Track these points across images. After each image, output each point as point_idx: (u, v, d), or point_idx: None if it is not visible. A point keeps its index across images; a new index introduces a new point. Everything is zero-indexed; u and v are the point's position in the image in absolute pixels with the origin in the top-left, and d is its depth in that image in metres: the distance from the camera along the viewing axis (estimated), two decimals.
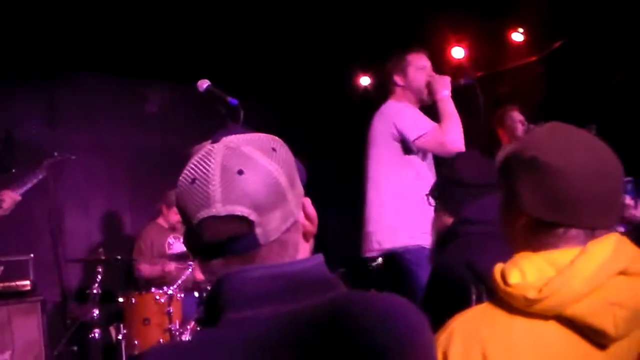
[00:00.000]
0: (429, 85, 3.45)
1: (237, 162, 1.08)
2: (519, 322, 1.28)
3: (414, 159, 3.39)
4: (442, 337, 1.31)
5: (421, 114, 3.46)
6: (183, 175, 1.11)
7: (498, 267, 1.34)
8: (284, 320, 1.05)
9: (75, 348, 5.08)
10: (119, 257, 5.13)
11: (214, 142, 1.13)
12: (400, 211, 3.30)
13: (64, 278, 5.37)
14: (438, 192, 2.37)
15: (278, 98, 6.51)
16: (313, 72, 6.23)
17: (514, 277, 1.28)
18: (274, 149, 1.12)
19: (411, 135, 3.29)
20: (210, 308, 1.10)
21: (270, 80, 6.23)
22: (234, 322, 1.06)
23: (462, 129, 3.29)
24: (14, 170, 3.92)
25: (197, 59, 5.33)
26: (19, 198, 3.28)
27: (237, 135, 1.14)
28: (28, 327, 4.71)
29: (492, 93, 3.72)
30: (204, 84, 2.49)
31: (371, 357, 1.04)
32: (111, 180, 6.18)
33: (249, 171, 1.07)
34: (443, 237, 2.25)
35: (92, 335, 4.67)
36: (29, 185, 3.44)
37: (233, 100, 2.35)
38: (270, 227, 1.08)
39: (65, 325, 5.20)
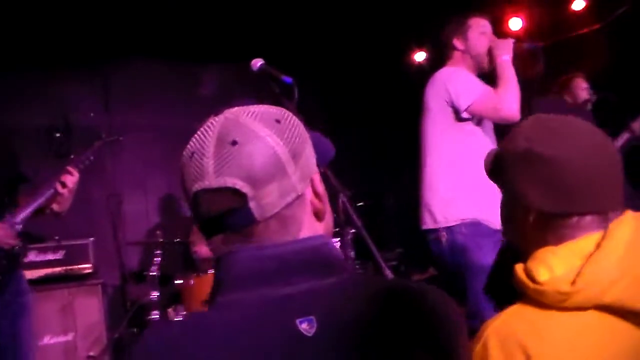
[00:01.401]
0: (490, 50, 3.26)
1: (233, 133, 1.04)
2: (557, 317, 1.24)
3: (469, 125, 3.22)
4: (477, 349, 1.27)
5: (475, 78, 3.28)
6: (185, 149, 1.08)
7: (519, 267, 1.31)
8: (273, 306, 0.99)
9: (135, 330, 5.16)
10: (177, 240, 5.16)
11: (216, 114, 1.10)
12: (455, 182, 3.17)
13: (124, 261, 5.46)
14: None
15: (333, 75, 6.46)
16: (368, 48, 6.15)
17: (542, 274, 1.25)
18: (277, 121, 1.07)
19: (462, 103, 3.13)
20: (212, 289, 1.06)
21: (324, 58, 6.18)
22: (220, 306, 1.01)
23: (519, 96, 3.11)
24: (72, 157, 3.95)
25: (250, 38, 5.30)
26: (77, 175, 3.30)
27: (240, 107, 1.10)
28: (89, 310, 4.81)
29: (553, 62, 3.56)
30: (257, 62, 2.45)
31: (368, 349, 0.98)
32: (168, 162, 6.21)
33: (245, 142, 1.03)
34: None
35: (152, 317, 4.72)
36: (85, 163, 3.46)
37: (287, 79, 2.30)
38: (265, 201, 1.02)
39: (125, 307, 5.29)
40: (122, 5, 5.16)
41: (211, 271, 4.83)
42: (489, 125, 3.33)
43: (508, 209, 1.43)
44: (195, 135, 1.07)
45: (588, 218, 1.29)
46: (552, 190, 1.30)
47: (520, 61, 3.24)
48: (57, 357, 4.60)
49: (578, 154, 1.29)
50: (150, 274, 4.78)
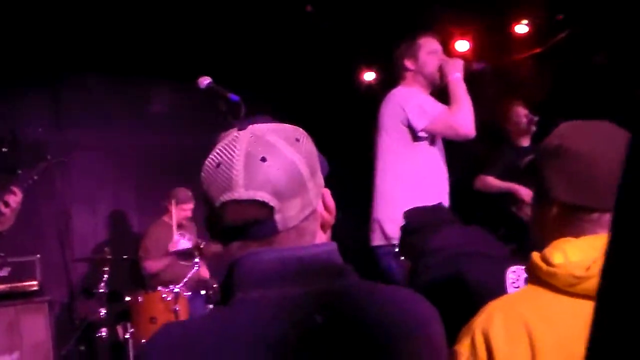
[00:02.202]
0: (441, 68, 3.37)
1: (261, 149, 1.11)
2: (564, 301, 1.26)
3: (423, 144, 3.31)
4: (479, 319, 1.30)
5: (430, 98, 3.38)
6: (209, 159, 1.15)
7: (535, 254, 1.33)
8: (292, 303, 1.07)
9: (82, 347, 5.10)
10: (125, 257, 5.14)
11: (240, 129, 1.16)
12: (408, 200, 3.25)
13: (71, 278, 5.40)
14: (400, 247, 2.51)
15: (281, 94, 6.50)
16: (317, 68, 6.22)
17: (557, 258, 1.27)
18: (297, 139, 1.16)
19: (419, 124, 3.23)
20: (225, 289, 1.13)
21: (272, 76, 6.22)
22: (242, 302, 1.09)
23: (473, 113, 3.22)
24: (19, 172, 3.92)
25: (199, 58, 5.31)
26: (20, 195, 3.30)
27: (263, 124, 1.18)
28: (36, 327, 4.73)
29: (496, 85, 3.69)
30: (204, 80, 2.49)
31: (378, 346, 1.07)
32: (117, 180, 6.19)
33: (272, 159, 1.10)
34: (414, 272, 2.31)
35: (100, 334, 4.69)
36: (24, 186, 3.46)
37: (234, 97, 2.34)
38: (289, 214, 1.11)
39: (72, 324, 5.23)
40: (76, 21, 5.14)
41: (160, 288, 4.83)
42: (440, 144, 3.43)
43: (535, 208, 1.46)
44: (221, 148, 1.14)
45: (609, 216, 1.31)
46: (577, 184, 1.33)
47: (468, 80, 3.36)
48: None
49: (607, 151, 1.31)
50: (99, 291, 4.75)
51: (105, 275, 4.75)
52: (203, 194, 1.15)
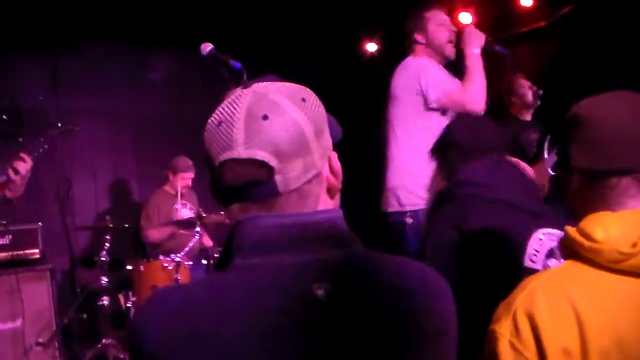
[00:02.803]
0: (459, 38, 3.37)
1: (263, 107, 1.07)
2: (609, 278, 1.23)
3: (435, 115, 3.31)
4: (520, 296, 1.26)
5: (444, 71, 3.39)
6: (211, 118, 1.11)
7: (571, 229, 1.30)
8: (292, 271, 1.05)
9: (84, 315, 5.13)
10: (126, 225, 5.15)
11: (244, 87, 1.13)
12: (424, 168, 3.25)
13: (73, 246, 5.42)
14: (436, 153, 2.40)
15: (283, 63, 6.46)
16: (319, 37, 6.18)
17: (599, 234, 1.24)
18: (303, 99, 1.12)
19: (432, 95, 3.23)
20: (224, 253, 1.11)
21: (275, 45, 6.18)
22: (241, 268, 1.06)
23: (485, 91, 3.23)
24: (20, 139, 3.92)
25: (200, 25, 5.27)
26: (30, 162, 3.29)
27: (268, 83, 1.14)
28: (37, 295, 4.74)
29: (501, 57, 3.66)
30: (206, 47, 2.48)
31: (383, 321, 1.04)
32: (117, 147, 6.18)
33: (274, 117, 1.07)
34: (439, 199, 2.27)
35: (101, 302, 4.71)
36: (39, 151, 3.45)
37: (236, 64, 2.34)
38: (290, 175, 1.07)
39: (74, 293, 5.26)
40: None
41: (161, 257, 4.85)
42: (452, 116, 3.42)
43: (562, 181, 1.45)
44: (223, 106, 1.11)
45: (628, 179, 1.31)
46: (590, 148, 1.33)
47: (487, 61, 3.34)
48: (5, 344, 4.54)
49: (617, 115, 1.33)
50: (100, 259, 4.77)
51: (107, 244, 4.77)
52: (205, 153, 1.11)
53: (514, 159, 2.27)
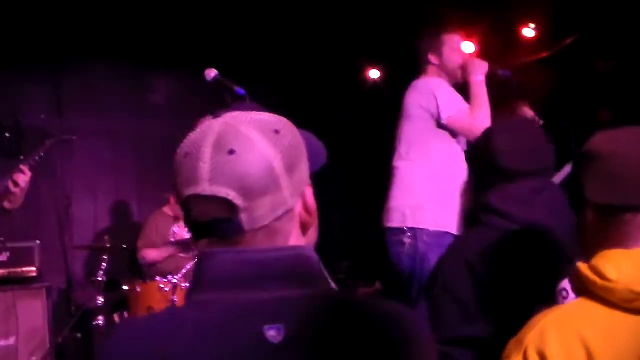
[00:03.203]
0: (464, 66, 3.39)
1: (231, 140, 1.02)
2: (622, 317, 1.22)
3: (448, 136, 3.31)
4: (531, 334, 1.23)
5: (457, 93, 3.39)
6: (179, 148, 1.08)
7: (582, 266, 1.28)
8: (244, 309, 1.00)
9: (79, 335, 5.10)
10: (124, 246, 5.14)
11: (215, 117, 1.09)
12: (429, 188, 3.24)
13: (70, 265, 5.40)
14: (470, 162, 2.25)
15: (286, 89, 6.51)
16: (323, 64, 6.21)
17: (611, 273, 1.22)
18: (276, 131, 1.05)
19: (445, 112, 3.23)
20: (189, 289, 1.08)
21: (279, 72, 6.22)
22: (197, 304, 1.03)
23: (490, 117, 3.23)
24: (22, 157, 3.93)
25: (206, 49, 5.32)
26: (29, 174, 3.33)
27: (241, 113, 1.08)
28: (33, 313, 4.73)
29: (502, 88, 3.68)
30: (211, 73, 2.50)
31: None
32: (118, 168, 6.19)
33: (242, 152, 1.01)
34: (468, 218, 2.16)
35: (97, 322, 4.68)
36: (36, 159, 3.48)
37: (240, 90, 2.35)
38: (257, 213, 1.02)
39: (69, 312, 5.23)
40: (79, 7, 5.13)
41: (158, 278, 4.83)
42: (463, 142, 3.42)
43: (578, 215, 1.43)
44: (192, 136, 1.07)
45: None
46: (607, 183, 1.32)
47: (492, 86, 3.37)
48: None
49: (635, 151, 1.32)
50: (97, 279, 4.75)
51: (104, 264, 4.75)
52: (174, 185, 1.08)
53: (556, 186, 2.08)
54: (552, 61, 5.48)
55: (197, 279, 1.06)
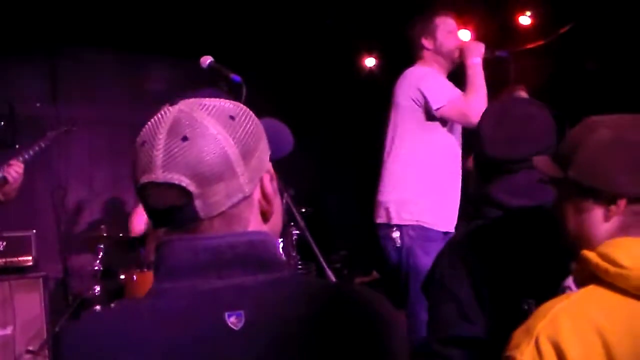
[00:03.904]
0: (460, 50, 3.33)
1: (184, 127, 1.02)
2: (635, 304, 1.19)
3: (437, 126, 3.26)
4: (542, 322, 1.19)
5: (446, 81, 3.34)
6: (138, 137, 1.07)
7: (591, 253, 1.25)
8: (203, 298, 1.00)
9: None
10: (121, 235, 5.13)
11: (172, 104, 1.08)
12: (414, 183, 3.22)
13: (66, 254, 5.39)
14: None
15: (282, 77, 6.49)
16: (319, 51, 6.20)
17: (625, 259, 1.20)
18: (231, 117, 1.05)
19: (434, 104, 3.17)
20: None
21: (274, 59, 6.20)
22: (154, 294, 1.03)
23: (486, 101, 3.17)
24: (17, 146, 3.92)
25: (201, 35, 5.29)
26: (21, 168, 3.30)
27: (196, 100, 1.07)
28: (30, 303, 4.72)
29: (498, 75, 3.66)
30: (206, 60, 2.49)
31: (296, 349, 1.00)
32: (114, 156, 6.16)
33: (195, 138, 1.01)
34: (469, 211, 2.09)
35: None
36: (30, 154, 3.45)
37: (236, 77, 2.34)
38: (211, 200, 1.01)
39: (66, 301, 5.24)
40: None
41: None
42: (458, 129, 3.38)
43: (577, 204, 1.36)
44: (148, 124, 1.06)
45: None
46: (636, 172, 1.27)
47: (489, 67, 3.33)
48: None
49: None
50: (93, 268, 4.76)
51: (101, 253, 4.75)
52: (131, 173, 1.07)
53: None
54: (548, 49, 5.47)
55: (156, 268, 1.05)
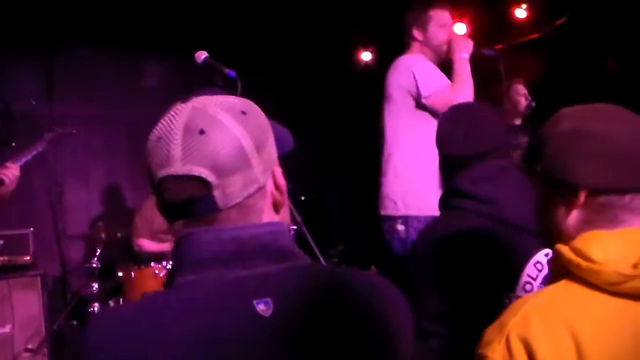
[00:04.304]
0: (449, 44, 3.34)
1: (200, 122, 1.07)
2: (607, 301, 1.16)
3: (430, 117, 3.24)
4: (513, 319, 1.18)
5: (436, 68, 3.35)
6: (151, 134, 1.12)
7: (562, 247, 1.23)
8: (230, 287, 1.04)
9: (75, 322, 5.10)
10: (119, 235, 5.14)
11: (183, 101, 1.12)
12: (419, 174, 3.22)
13: (64, 252, 5.39)
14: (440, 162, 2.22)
15: (277, 71, 6.49)
16: (314, 46, 6.19)
17: (597, 254, 1.17)
18: (243, 112, 1.10)
19: (424, 90, 3.18)
20: (170, 271, 1.10)
21: (270, 54, 6.19)
22: (180, 287, 1.05)
23: (472, 95, 3.19)
24: (13, 144, 3.91)
25: (196, 31, 5.28)
26: (18, 171, 3.28)
27: (207, 97, 1.13)
28: (28, 301, 4.72)
29: (488, 71, 3.67)
30: (201, 55, 2.49)
31: (321, 334, 1.04)
32: (111, 154, 6.17)
33: (212, 132, 1.06)
34: (439, 203, 2.17)
35: (92, 309, 4.68)
36: (28, 157, 3.44)
37: (231, 72, 2.34)
38: (229, 190, 1.06)
39: (65, 299, 5.23)
40: None
41: (152, 264, 4.83)
42: None
43: (547, 198, 1.34)
44: (162, 121, 1.10)
45: (632, 199, 1.24)
46: (605, 165, 1.24)
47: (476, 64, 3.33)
48: None
49: (627, 129, 1.26)
50: (91, 266, 4.75)
51: (98, 250, 4.75)
52: (146, 170, 1.11)
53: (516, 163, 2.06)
54: (543, 42, 5.47)
55: (178, 261, 1.08)
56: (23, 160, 3.40)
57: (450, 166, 2.08)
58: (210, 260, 1.05)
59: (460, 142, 2.03)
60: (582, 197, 1.27)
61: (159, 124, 1.11)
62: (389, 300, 1.13)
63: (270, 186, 1.13)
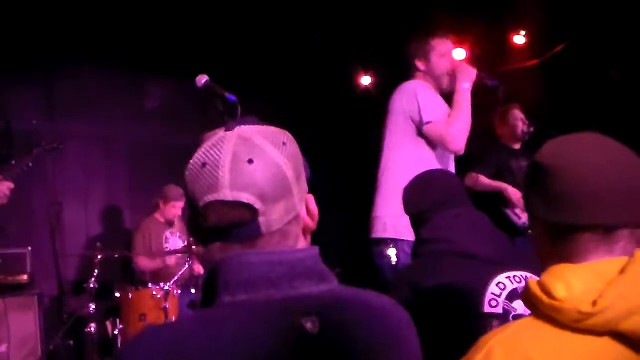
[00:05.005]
0: (452, 72, 3.33)
1: (248, 151, 1.11)
2: (569, 339, 1.16)
3: (424, 142, 3.26)
4: (478, 356, 1.19)
5: (440, 98, 3.36)
6: (194, 159, 1.14)
7: (532, 282, 1.24)
8: (279, 306, 1.08)
9: (71, 342, 5.09)
10: (116, 255, 5.13)
11: (227, 130, 1.16)
12: None
13: (62, 272, 5.37)
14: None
15: (277, 96, 6.51)
16: (314, 70, 6.23)
17: (560, 291, 1.17)
18: (284, 143, 1.15)
19: (425, 117, 3.19)
20: (207, 290, 1.12)
21: (270, 78, 6.23)
22: (229, 305, 1.08)
23: (469, 129, 3.20)
24: (13, 162, 3.92)
25: (198, 54, 5.33)
26: (11, 186, 3.29)
27: (251, 126, 1.17)
28: (24, 321, 4.71)
29: (492, 94, 3.69)
30: (202, 79, 2.50)
31: (359, 350, 1.10)
32: (110, 173, 6.18)
33: (259, 161, 1.10)
34: (412, 253, 2.41)
35: (89, 329, 4.67)
36: (17, 172, 3.45)
37: (231, 97, 2.35)
38: (273, 217, 1.11)
39: (61, 319, 5.20)
40: (72, 11, 5.14)
41: (150, 285, 4.82)
42: None
43: (531, 230, 1.38)
44: (207, 147, 1.13)
45: (592, 235, 1.24)
46: (553, 201, 1.26)
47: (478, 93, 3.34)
48: None
49: (582, 165, 1.25)
50: (89, 286, 4.74)
51: (96, 271, 4.74)
52: (187, 193, 1.14)
53: (473, 209, 2.34)
54: (542, 68, 5.52)
55: (224, 280, 1.10)
56: (13, 174, 3.41)
57: (416, 223, 2.37)
58: (260, 281, 1.09)
59: (419, 201, 2.38)
60: (541, 230, 1.31)
61: (203, 150, 1.13)
62: (404, 319, 1.21)
63: (303, 213, 1.20)
